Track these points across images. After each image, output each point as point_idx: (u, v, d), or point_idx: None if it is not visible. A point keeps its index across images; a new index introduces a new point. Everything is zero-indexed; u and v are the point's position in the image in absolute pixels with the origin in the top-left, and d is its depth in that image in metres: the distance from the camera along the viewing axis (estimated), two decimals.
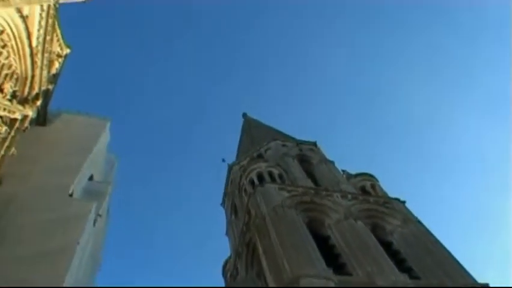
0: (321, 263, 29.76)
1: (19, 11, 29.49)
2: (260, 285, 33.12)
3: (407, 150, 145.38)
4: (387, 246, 34.89)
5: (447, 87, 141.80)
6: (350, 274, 30.40)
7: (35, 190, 32.37)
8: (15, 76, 32.44)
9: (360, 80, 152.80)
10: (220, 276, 44.37)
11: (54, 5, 32.80)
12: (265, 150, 49.98)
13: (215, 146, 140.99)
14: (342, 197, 38.84)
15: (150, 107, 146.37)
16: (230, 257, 43.92)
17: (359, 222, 35.74)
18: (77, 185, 35.80)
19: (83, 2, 33.96)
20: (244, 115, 64.65)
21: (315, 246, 31.56)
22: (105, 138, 43.98)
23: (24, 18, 30.99)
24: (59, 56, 38.60)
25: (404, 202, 40.71)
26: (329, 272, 28.83)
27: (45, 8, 32.33)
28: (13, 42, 31.31)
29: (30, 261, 26.38)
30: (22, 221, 29.50)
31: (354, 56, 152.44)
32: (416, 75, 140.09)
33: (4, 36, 30.16)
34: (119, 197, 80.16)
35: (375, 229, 36.67)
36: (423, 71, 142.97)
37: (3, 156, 29.01)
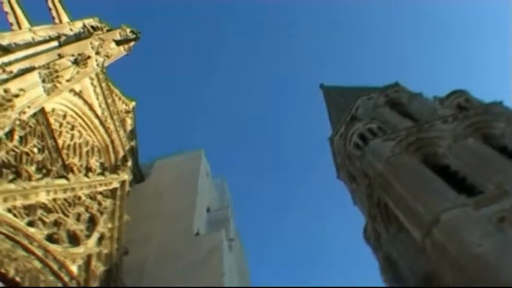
0: (451, 193, 29.90)
1: (71, 90, 29.70)
2: (405, 238, 32.67)
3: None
4: (503, 150, 34.22)
5: None
6: (481, 192, 30.00)
7: (162, 245, 32.71)
8: (95, 149, 32.89)
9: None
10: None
11: (102, 70, 32.89)
12: (356, 110, 48.86)
13: (306, 128, 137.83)
14: (443, 122, 37.98)
15: (231, 112, 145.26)
16: (366, 223, 43.07)
17: (470, 140, 35.42)
18: (199, 222, 35.83)
19: (127, 54, 33.95)
20: (322, 86, 63.17)
21: (439, 179, 31.49)
22: (205, 167, 43.91)
23: (79, 95, 31.29)
24: (127, 112, 39.02)
25: (500, 102, 39.50)
26: (463, 198, 28.73)
27: (93, 76, 32.49)
28: (80, 120, 31.70)
29: None
30: (162, 276, 29.76)
31: None
32: None
33: (69, 119, 30.56)
34: (243, 213, 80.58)
35: (486, 139, 36.09)
36: None
37: (119, 226, 29.27)
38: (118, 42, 32.20)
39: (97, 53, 29.68)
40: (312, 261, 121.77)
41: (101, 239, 26.88)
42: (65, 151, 28.63)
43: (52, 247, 22.32)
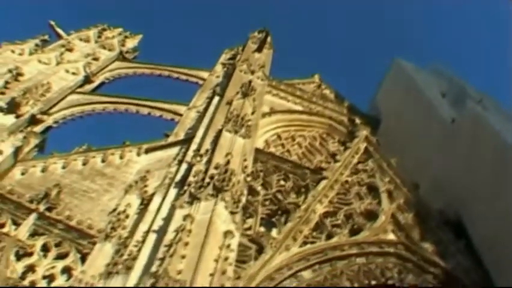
0: None
1: (263, 115, 30.45)
2: None
3: None
4: None
5: None
6: None
7: (439, 152, 31.77)
8: (324, 135, 33.68)
9: None
10: None
11: (269, 79, 33.56)
12: None
13: None
14: None
15: None
16: None
17: None
18: (447, 111, 33.38)
19: (274, 50, 34.32)
20: None
21: None
22: (410, 67, 42.25)
23: (272, 112, 32.29)
24: (318, 86, 39.72)
25: None
26: None
27: (268, 89, 33.29)
28: (293, 128, 32.87)
29: None
30: (463, 181, 28.71)
31: None
32: None
33: (284, 135, 31.70)
34: None
35: None
36: None
37: (394, 173, 28.53)
38: (259, 49, 32.60)
39: (252, 72, 30.29)
40: None
41: (390, 195, 26.54)
42: (304, 160, 29.44)
43: (360, 236, 22.63)
